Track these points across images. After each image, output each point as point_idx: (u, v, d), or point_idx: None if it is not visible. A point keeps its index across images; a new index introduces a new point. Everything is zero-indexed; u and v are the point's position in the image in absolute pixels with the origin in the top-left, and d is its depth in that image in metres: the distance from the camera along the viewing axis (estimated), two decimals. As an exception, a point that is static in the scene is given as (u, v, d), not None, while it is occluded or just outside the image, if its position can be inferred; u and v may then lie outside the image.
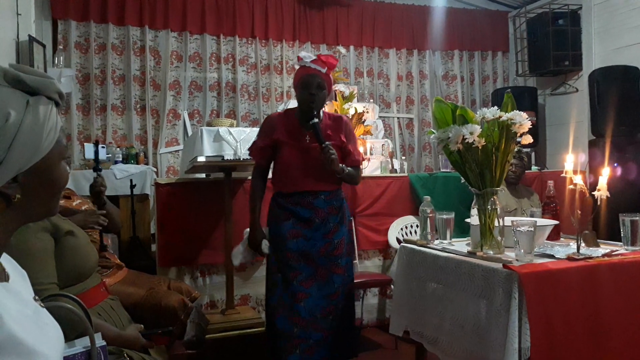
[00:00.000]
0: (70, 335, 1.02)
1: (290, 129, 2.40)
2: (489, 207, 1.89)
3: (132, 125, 5.15)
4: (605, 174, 1.93)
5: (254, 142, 2.47)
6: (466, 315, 1.79)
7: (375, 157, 4.26)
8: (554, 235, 2.17)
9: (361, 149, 3.82)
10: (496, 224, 1.89)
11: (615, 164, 4.45)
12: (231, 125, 4.27)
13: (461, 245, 2.09)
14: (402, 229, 3.67)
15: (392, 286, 3.24)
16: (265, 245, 2.40)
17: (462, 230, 2.39)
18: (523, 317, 1.60)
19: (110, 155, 4.56)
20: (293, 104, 2.45)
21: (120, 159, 4.63)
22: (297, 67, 2.44)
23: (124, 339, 1.58)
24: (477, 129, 1.83)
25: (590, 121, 4.99)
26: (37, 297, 0.88)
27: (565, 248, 1.96)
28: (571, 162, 1.95)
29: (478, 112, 1.90)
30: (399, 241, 3.43)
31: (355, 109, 4.12)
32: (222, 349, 2.74)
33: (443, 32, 6.27)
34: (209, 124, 4.61)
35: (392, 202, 3.68)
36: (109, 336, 1.43)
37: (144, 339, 1.67)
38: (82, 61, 5.05)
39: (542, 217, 2.24)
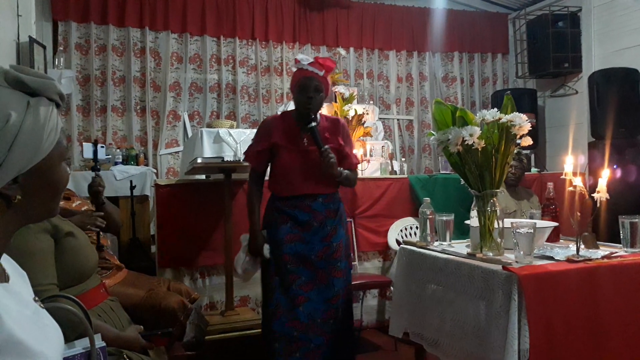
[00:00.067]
0: (70, 336, 1.02)
1: (288, 132, 2.39)
2: (488, 208, 1.90)
3: (132, 126, 5.15)
4: (605, 176, 1.94)
5: (250, 147, 2.45)
6: (466, 316, 1.80)
7: (375, 158, 4.26)
8: (554, 237, 2.18)
9: (361, 151, 3.84)
10: (496, 225, 1.89)
11: (615, 166, 4.44)
12: (231, 127, 4.28)
13: (461, 246, 2.08)
14: (401, 230, 3.67)
15: (391, 288, 3.24)
16: (267, 249, 2.37)
17: (461, 231, 2.39)
18: (522, 318, 1.61)
19: (110, 156, 4.56)
20: (293, 105, 2.44)
21: (120, 160, 4.62)
22: (294, 69, 2.43)
23: (123, 340, 1.58)
24: (477, 130, 1.83)
25: (589, 123, 4.98)
26: (37, 298, 0.88)
27: (565, 250, 1.96)
28: (571, 164, 1.96)
29: (478, 114, 1.90)
30: (398, 243, 3.43)
31: (355, 110, 4.12)
32: (222, 350, 2.74)
33: (443, 34, 6.26)
34: (209, 125, 4.62)
35: (391, 204, 3.68)
36: (108, 337, 1.43)
37: (143, 340, 1.67)
38: (83, 62, 5.05)
39: (542, 219, 2.24)
